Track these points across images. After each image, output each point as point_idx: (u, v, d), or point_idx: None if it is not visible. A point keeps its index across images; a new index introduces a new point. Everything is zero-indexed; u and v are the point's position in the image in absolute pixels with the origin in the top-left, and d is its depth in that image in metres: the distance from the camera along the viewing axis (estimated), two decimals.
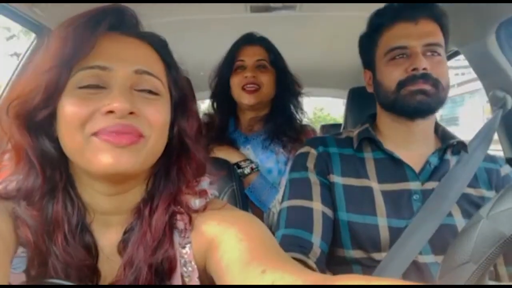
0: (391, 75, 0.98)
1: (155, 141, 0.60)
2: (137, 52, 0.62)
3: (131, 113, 0.56)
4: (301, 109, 1.55)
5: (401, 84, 0.96)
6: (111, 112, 0.55)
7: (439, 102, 0.97)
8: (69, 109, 0.56)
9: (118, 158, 0.55)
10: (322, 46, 2.06)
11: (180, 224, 0.64)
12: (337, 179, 1.00)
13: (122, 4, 0.65)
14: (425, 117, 0.99)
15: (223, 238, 0.59)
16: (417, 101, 0.94)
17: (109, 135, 0.55)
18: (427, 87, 0.94)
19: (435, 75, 0.94)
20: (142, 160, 0.59)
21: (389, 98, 0.99)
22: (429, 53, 0.96)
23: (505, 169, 1.04)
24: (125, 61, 0.59)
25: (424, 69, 0.93)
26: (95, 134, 0.56)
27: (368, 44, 1.06)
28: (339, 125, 2.88)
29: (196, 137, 0.69)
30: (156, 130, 0.60)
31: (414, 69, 0.94)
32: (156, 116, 0.60)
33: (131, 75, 0.59)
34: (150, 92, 0.61)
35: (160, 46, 0.67)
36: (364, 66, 1.12)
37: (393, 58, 0.98)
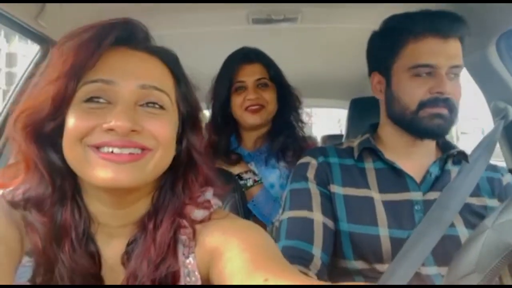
0: (413, 94, 0.93)
1: (161, 155, 0.60)
2: (144, 66, 0.62)
3: (133, 130, 0.56)
4: (301, 121, 1.52)
5: (422, 105, 0.92)
6: (112, 129, 0.56)
7: (452, 125, 0.95)
8: (72, 122, 0.57)
9: (118, 174, 0.56)
10: (323, 57, 2.07)
11: (184, 236, 0.64)
12: (338, 189, 1.00)
13: (132, 18, 0.64)
14: (435, 139, 0.98)
15: (226, 247, 0.59)
16: (436, 125, 0.92)
17: (108, 155, 0.56)
18: (445, 111, 0.92)
19: (454, 99, 0.93)
20: (145, 175, 0.59)
21: (405, 116, 0.95)
22: (452, 75, 0.93)
23: (507, 178, 1.04)
24: (131, 75, 0.59)
25: (448, 93, 0.91)
26: (94, 146, 0.56)
27: (386, 48, 1.00)
28: (340, 136, 2.88)
29: (205, 151, 0.69)
30: (162, 144, 0.60)
31: (439, 92, 0.91)
32: (161, 131, 0.60)
33: (136, 90, 0.59)
34: (156, 106, 0.60)
35: (170, 60, 0.66)
36: (373, 68, 1.07)
37: (417, 74, 0.93)
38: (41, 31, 1.30)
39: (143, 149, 0.58)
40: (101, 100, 0.58)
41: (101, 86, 0.58)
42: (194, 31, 1.63)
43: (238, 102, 1.40)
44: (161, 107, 0.61)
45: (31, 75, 1.40)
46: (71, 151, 0.57)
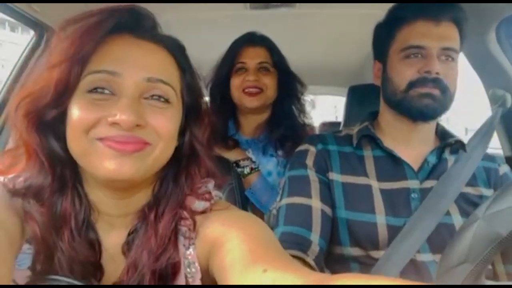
0: (403, 74, 0.96)
1: (162, 150, 0.60)
2: (151, 57, 0.60)
3: (137, 125, 0.56)
4: (304, 112, 1.51)
5: (411, 85, 0.94)
6: (116, 123, 0.55)
7: (444, 108, 0.96)
8: (76, 113, 0.56)
9: (121, 165, 0.55)
10: (321, 44, 2.05)
11: (185, 228, 0.64)
12: (336, 176, 1.00)
13: (138, 4, 0.62)
14: (427, 121, 0.98)
15: (226, 238, 0.59)
16: (424, 105, 0.93)
17: (113, 143, 0.55)
18: (435, 92, 0.93)
19: (446, 81, 0.93)
20: (146, 167, 0.58)
21: (396, 96, 0.98)
22: (443, 57, 0.94)
23: (504, 168, 1.04)
24: (137, 67, 0.58)
25: (437, 73, 0.92)
26: (99, 139, 0.55)
27: (383, 36, 1.04)
28: (338, 123, 2.88)
29: (208, 142, 0.69)
30: (163, 139, 0.59)
31: (427, 71, 0.92)
32: (164, 126, 0.59)
33: (142, 82, 0.57)
34: (161, 100, 0.59)
35: (176, 51, 0.65)
36: (375, 57, 1.10)
37: (408, 56, 0.96)
38: (34, 16, 1.28)
39: (145, 143, 0.58)
40: (105, 91, 0.57)
41: (106, 77, 0.56)
42: (191, 16, 1.61)
43: (237, 83, 1.40)
44: (166, 101, 0.60)
45: (26, 61, 1.38)
46: (76, 142, 0.57)
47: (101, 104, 0.56)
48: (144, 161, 0.58)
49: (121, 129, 0.55)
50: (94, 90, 0.56)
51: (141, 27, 0.62)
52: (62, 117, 0.58)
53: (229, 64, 1.42)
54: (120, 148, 0.55)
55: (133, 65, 0.58)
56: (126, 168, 0.55)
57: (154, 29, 0.65)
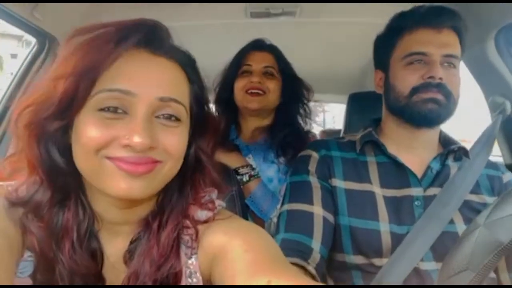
0: (406, 80, 0.97)
1: (171, 167, 0.59)
2: (164, 75, 0.59)
3: (150, 147, 0.55)
4: (309, 118, 1.51)
5: (415, 91, 0.95)
6: (130, 146, 0.54)
7: (448, 113, 0.96)
8: (87, 132, 0.54)
9: (131, 186, 0.55)
10: (321, 52, 2.06)
11: (187, 237, 0.64)
12: (339, 183, 1.00)
13: (155, 20, 0.62)
14: (431, 127, 0.99)
15: (228, 248, 0.59)
16: (428, 110, 0.94)
17: (125, 164, 0.54)
18: (439, 97, 0.93)
19: (449, 86, 0.94)
20: (155, 186, 0.59)
21: (399, 103, 0.98)
22: (446, 64, 0.95)
23: (508, 176, 1.04)
24: (150, 86, 0.56)
25: (440, 78, 0.92)
26: (109, 158, 0.55)
27: (385, 45, 1.05)
28: (338, 131, 2.88)
29: (212, 152, 0.69)
30: (173, 158, 0.59)
31: (430, 77, 0.93)
32: (175, 146, 0.58)
33: (155, 102, 0.56)
34: (172, 119, 0.58)
35: (188, 66, 0.64)
36: (376, 66, 1.11)
37: (410, 63, 0.97)
38: (37, 24, 1.28)
39: (156, 161, 0.57)
40: (117, 110, 0.55)
41: (119, 95, 0.55)
42: (191, 24, 1.61)
43: (241, 85, 1.41)
44: (177, 119, 0.59)
45: (27, 70, 1.39)
46: (85, 161, 0.56)
47: (113, 124, 0.54)
48: (154, 180, 0.57)
49: (134, 151, 0.54)
50: (106, 109, 0.55)
51: (157, 44, 0.60)
52: (65, 129, 0.57)
53: (235, 67, 1.44)
54: (132, 169, 0.54)
55: (147, 84, 0.56)
56: (136, 188, 0.55)
57: (168, 44, 0.63)
